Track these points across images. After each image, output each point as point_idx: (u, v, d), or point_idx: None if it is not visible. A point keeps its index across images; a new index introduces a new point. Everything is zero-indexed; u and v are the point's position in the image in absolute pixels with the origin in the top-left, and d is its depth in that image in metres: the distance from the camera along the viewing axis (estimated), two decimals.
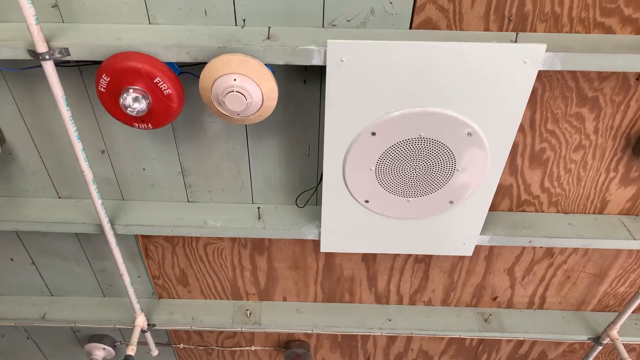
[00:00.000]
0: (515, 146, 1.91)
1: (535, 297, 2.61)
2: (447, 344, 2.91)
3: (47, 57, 1.47)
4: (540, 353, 2.99)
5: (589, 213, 2.17)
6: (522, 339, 2.64)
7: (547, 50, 1.47)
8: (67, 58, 1.50)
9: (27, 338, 2.92)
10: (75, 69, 1.71)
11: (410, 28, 1.59)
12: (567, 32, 1.60)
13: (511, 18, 1.56)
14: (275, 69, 1.63)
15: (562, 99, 1.77)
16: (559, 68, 1.52)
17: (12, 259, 2.42)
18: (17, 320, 2.56)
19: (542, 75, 1.70)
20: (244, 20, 1.57)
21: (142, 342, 2.60)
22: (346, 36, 1.56)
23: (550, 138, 1.89)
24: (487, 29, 1.59)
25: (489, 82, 1.53)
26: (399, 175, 1.79)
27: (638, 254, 2.34)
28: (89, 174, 1.80)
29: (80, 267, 2.45)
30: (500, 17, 1.57)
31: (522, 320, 2.63)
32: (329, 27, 1.59)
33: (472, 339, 2.84)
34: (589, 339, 2.62)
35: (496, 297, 2.61)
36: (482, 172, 1.77)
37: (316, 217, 2.07)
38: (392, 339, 2.86)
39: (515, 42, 1.53)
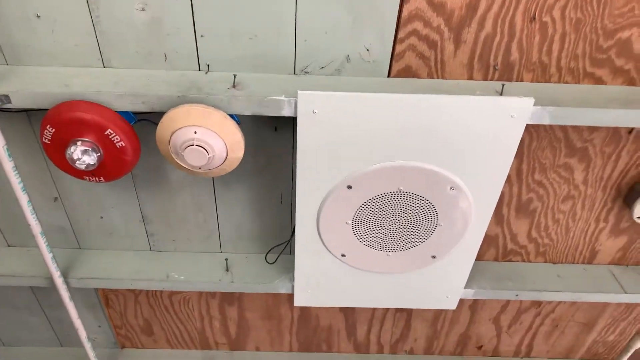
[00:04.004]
0: (501, 196, 1.79)
1: (522, 346, 2.48)
2: None
3: None
4: None
5: (577, 263, 2.06)
6: None
7: (535, 104, 1.36)
8: (8, 106, 1.35)
9: None
10: (23, 114, 1.55)
11: (388, 76, 1.47)
12: (555, 82, 1.49)
13: (497, 67, 1.46)
14: (243, 116, 1.50)
15: (550, 150, 1.67)
16: (547, 122, 1.41)
17: None
18: None
19: (529, 126, 1.59)
20: (208, 65, 1.44)
21: None
22: (319, 84, 1.43)
23: (538, 188, 1.78)
24: (471, 78, 1.48)
25: (473, 135, 1.42)
26: (378, 229, 1.65)
27: (628, 304, 2.24)
28: (36, 227, 1.63)
29: (34, 316, 2.26)
30: (484, 66, 1.46)
31: None
32: (300, 74, 1.46)
33: None
34: None
35: (481, 346, 2.48)
36: (466, 227, 1.65)
37: (289, 269, 1.92)
38: None
39: (501, 93, 1.42)
